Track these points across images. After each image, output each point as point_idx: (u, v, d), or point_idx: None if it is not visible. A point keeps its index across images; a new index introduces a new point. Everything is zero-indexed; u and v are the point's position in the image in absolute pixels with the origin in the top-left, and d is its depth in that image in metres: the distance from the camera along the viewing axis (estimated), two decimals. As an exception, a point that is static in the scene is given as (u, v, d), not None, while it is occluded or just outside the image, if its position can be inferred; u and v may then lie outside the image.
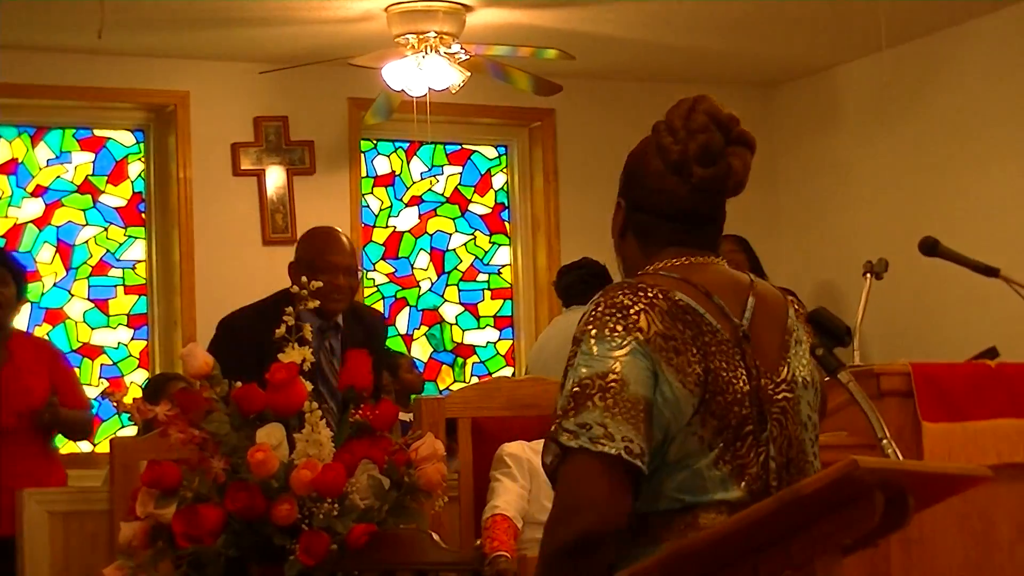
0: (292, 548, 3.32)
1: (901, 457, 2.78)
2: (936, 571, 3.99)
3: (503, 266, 8.84)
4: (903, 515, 2.05)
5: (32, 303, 7.98)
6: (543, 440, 2.39)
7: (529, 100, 8.13)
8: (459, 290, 8.74)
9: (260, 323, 4.46)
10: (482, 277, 8.80)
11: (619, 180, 2.70)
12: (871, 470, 1.84)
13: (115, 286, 8.17)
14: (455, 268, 8.74)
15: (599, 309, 2.48)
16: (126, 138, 8.24)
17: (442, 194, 8.77)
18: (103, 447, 7.61)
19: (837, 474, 1.83)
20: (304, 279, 3.62)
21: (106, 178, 8.18)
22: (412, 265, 8.67)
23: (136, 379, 7.99)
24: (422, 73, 7.26)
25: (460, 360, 8.71)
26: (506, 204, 8.89)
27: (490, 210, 8.86)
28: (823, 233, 8.83)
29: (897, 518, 2.05)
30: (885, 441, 2.78)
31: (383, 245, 8.62)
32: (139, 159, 8.25)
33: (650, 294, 2.49)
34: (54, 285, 8.05)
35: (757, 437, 2.41)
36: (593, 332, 2.45)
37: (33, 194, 8.05)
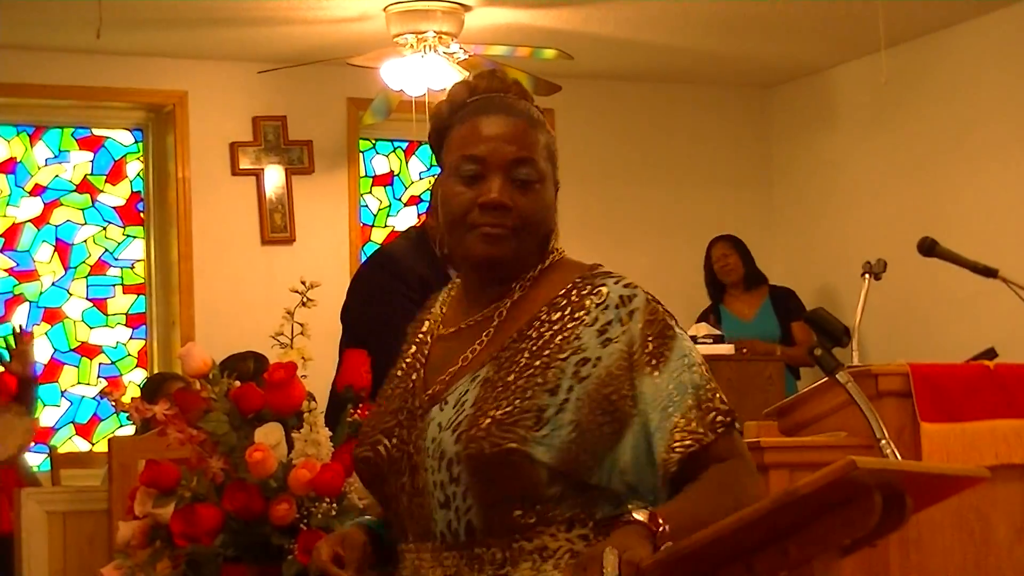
0: (290, 548, 3.32)
1: (899, 457, 2.78)
2: (934, 572, 3.99)
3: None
4: (900, 516, 2.04)
5: (31, 302, 7.99)
6: (696, 412, 2.31)
7: (528, 100, 8.13)
8: (458, 290, 8.74)
9: (415, 254, 4.35)
10: (481, 277, 8.80)
11: (548, 158, 2.47)
12: (869, 471, 1.84)
13: (113, 285, 8.17)
14: (454, 268, 8.74)
15: (661, 306, 2.42)
16: (125, 137, 8.24)
17: (441, 194, 8.77)
18: (101, 446, 7.62)
19: (835, 475, 1.82)
20: (303, 281, 3.59)
21: (104, 177, 8.19)
22: (410, 265, 8.66)
23: (134, 378, 7.99)
24: (421, 73, 7.26)
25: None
26: (504, 204, 8.89)
27: (489, 210, 8.86)
28: (821, 233, 8.83)
29: (895, 519, 2.04)
30: (884, 441, 2.78)
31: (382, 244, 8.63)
32: (138, 158, 8.25)
33: None
34: (52, 284, 8.05)
35: None
36: (674, 321, 2.40)
37: (32, 193, 8.05)
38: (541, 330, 2.37)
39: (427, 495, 2.33)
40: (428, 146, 2.55)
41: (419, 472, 2.34)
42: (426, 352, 2.47)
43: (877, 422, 2.81)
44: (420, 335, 2.51)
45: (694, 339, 7.67)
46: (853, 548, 2.05)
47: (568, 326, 2.36)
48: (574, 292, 2.39)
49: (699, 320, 7.97)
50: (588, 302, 2.37)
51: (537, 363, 2.34)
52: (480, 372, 2.37)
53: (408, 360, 2.49)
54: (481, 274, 2.43)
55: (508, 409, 2.29)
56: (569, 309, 2.38)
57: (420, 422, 2.38)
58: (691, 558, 1.89)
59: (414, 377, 2.45)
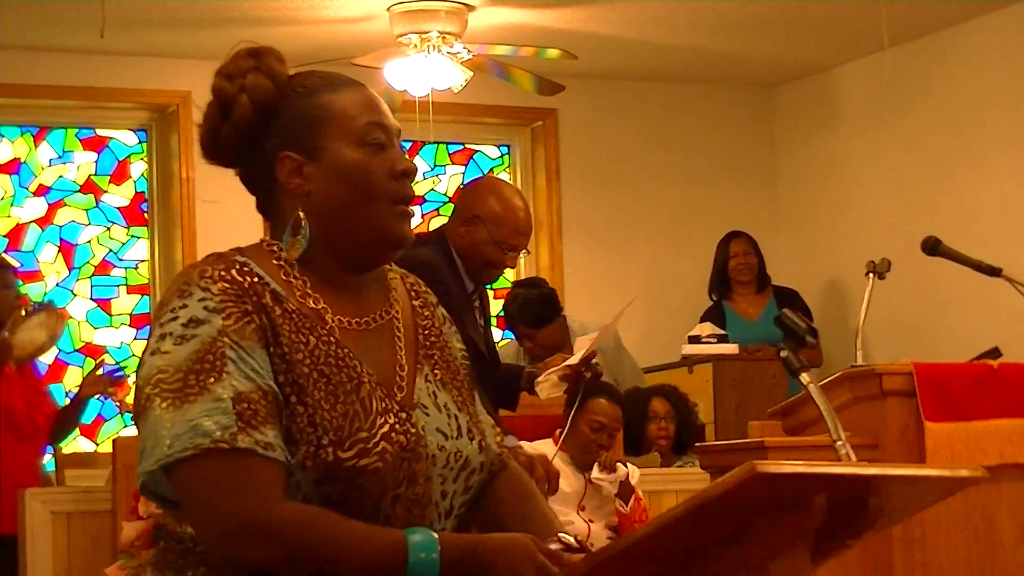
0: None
1: (854, 458, 2.78)
2: (938, 571, 3.99)
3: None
4: (865, 518, 2.01)
5: (35, 303, 7.99)
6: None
7: (531, 100, 8.13)
8: (461, 290, 8.73)
9: (444, 261, 4.28)
10: (485, 277, 8.79)
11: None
12: (769, 474, 1.79)
13: (117, 286, 8.18)
14: (458, 267, 8.74)
15: None
16: (128, 138, 8.25)
17: (445, 194, 8.77)
18: (105, 447, 7.62)
19: (734, 480, 1.77)
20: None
21: (108, 178, 8.19)
22: (414, 265, 8.66)
23: (138, 379, 7.99)
24: (424, 73, 7.26)
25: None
26: (508, 204, 8.88)
27: (492, 210, 8.85)
28: (825, 233, 8.82)
29: (860, 521, 2.01)
30: (839, 443, 2.78)
31: (385, 245, 8.62)
32: (141, 159, 8.26)
33: None
34: (56, 285, 8.05)
35: None
36: None
37: (36, 194, 8.06)
38: (430, 326, 2.24)
39: (428, 505, 2.10)
40: (220, 129, 2.33)
41: (417, 481, 2.09)
42: (343, 345, 2.10)
43: (835, 424, 2.81)
44: (302, 325, 2.09)
45: (698, 338, 7.71)
46: (828, 552, 2.02)
47: (438, 323, 2.26)
48: (414, 285, 2.28)
49: (703, 319, 7.97)
50: (430, 299, 2.29)
51: (456, 363, 2.25)
52: (425, 372, 2.18)
53: (324, 351, 2.08)
54: (379, 255, 2.18)
55: (479, 415, 2.23)
56: (429, 308, 2.27)
57: (412, 427, 2.10)
58: (650, 553, 1.84)
59: (366, 376, 2.10)
